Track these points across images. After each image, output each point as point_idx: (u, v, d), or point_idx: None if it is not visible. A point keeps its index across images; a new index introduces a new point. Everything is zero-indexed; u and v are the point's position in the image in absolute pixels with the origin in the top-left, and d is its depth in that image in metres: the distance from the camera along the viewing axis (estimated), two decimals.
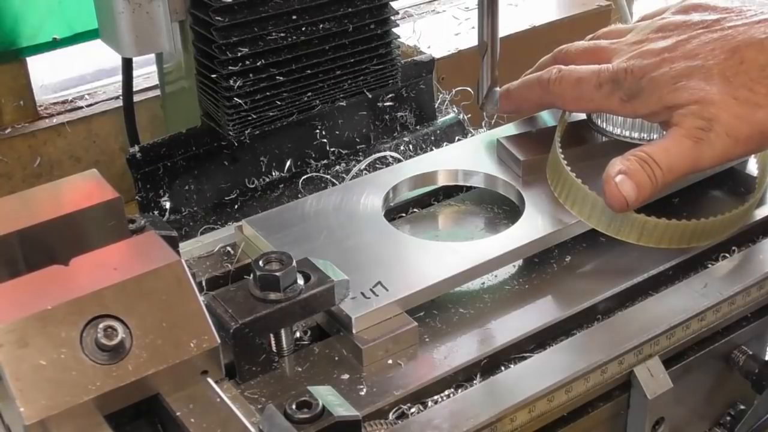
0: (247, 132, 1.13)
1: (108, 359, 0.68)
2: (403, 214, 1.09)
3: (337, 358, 0.86)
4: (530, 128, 1.12)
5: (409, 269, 0.92)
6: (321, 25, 1.13)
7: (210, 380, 0.72)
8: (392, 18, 1.19)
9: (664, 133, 0.93)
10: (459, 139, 1.27)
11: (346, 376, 0.84)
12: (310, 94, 1.15)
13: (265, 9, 1.09)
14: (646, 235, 0.95)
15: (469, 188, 1.11)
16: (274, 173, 1.20)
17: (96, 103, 1.51)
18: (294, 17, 1.11)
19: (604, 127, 1.07)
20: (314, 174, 1.20)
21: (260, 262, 0.83)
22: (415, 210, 1.10)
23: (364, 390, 0.83)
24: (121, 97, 1.34)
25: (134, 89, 1.32)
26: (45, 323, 0.67)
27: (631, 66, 0.94)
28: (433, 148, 1.26)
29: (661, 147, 0.90)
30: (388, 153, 1.22)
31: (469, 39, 1.62)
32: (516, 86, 1.07)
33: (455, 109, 1.33)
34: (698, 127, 0.88)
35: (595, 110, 1.05)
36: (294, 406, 0.72)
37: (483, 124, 1.25)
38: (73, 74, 1.58)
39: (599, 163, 1.01)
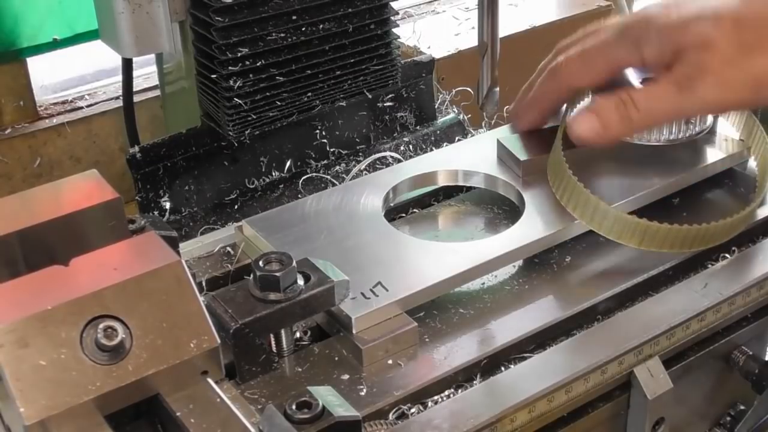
0: (247, 132, 1.13)
1: (108, 359, 0.68)
2: (403, 215, 1.09)
3: (337, 359, 0.86)
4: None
5: (409, 269, 0.92)
6: (321, 26, 1.13)
7: (210, 380, 0.72)
8: (392, 18, 1.19)
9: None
10: (459, 139, 1.27)
11: (346, 377, 0.84)
12: (310, 94, 1.15)
13: (265, 9, 1.09)
14: (648, 240, 0.95)
15: (469, 188, 1.11)
16: (274, 173, 1.20)
17: (96, 103, 1.51)
18: (294, 17, 1.11)
19: None
20: (314, 174, 1.20)
21: (260, 263, 0.83)
22: (415, 210, 1.10)
23: (364, 390, 0.83)
24: (121, 98, 1.34)
25: (134, 89, 1.32)
26: (45, 323, 0.67)
27: (635, 15, 0.92)
28: (433, 148, 1.26)
29: (647, 90, 0.90)
30: (388, 153, 1.22)
31: (469, 39, 1.62)
32: (529, 92, 1.06)
33: (455, 109, 1.33)
34: (687, 73, 0.87)
35: (606, 74, 0.99)
36: (294, 407, 0.72)
37: (483, 124, 1.25)
38: (73, 74, 1.58)
39: (600, 164, 1.01)
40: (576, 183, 0.96)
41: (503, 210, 1.08)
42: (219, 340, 0.72)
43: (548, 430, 0.87)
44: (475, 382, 0.86)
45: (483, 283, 0.96)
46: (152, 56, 1.26)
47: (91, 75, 1.59)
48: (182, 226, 1.12)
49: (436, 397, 0.84)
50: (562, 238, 0.98)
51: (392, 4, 1.19)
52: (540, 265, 0.99)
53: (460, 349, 0.87)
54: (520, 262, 0.99)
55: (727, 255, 1.00)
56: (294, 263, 0.84)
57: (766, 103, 0.92)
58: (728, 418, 1.07)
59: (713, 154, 1.07)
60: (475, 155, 1.09)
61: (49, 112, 1.49)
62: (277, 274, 0.82)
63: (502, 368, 0.87)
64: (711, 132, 1.08)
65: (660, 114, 0.91)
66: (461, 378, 0.86)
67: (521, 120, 1.08)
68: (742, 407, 1.07)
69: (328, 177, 1.19)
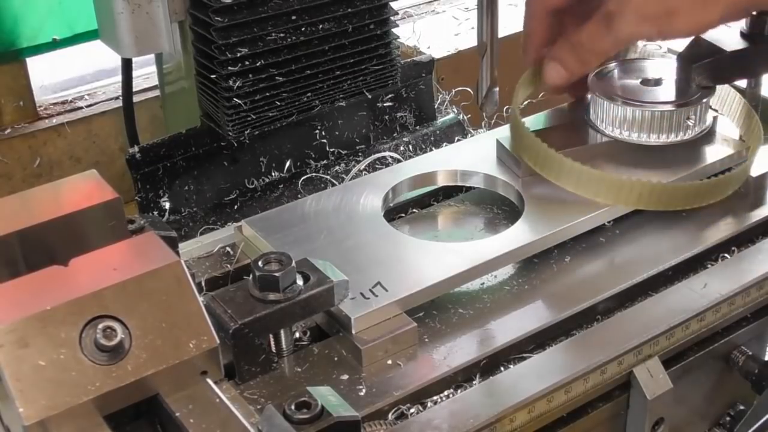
0: (246, 132, 1.13)
1: (107, 359, 0.68)
2: (403, 215, 1.09)
3: (336, 359, 0.86)
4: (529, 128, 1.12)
5: (409, 270, 0.92)
6: (320, 26, 1.13)
7: (209, 381, 0.72)
8: (392, 18, 1.19)
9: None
10: (459, 140, 1.27)
11: (345, 377, 0.84)
12: (309, 94, 1.15)
13: (264, 9, 1.09)
14: (612, 194, 0.97)
15: (468, 188, 1.11)
16: (273, 174, 1.20)
17: (96, 103, 1.51)
18: (293, 17, 1.11)
19: (603, 127, 1.07)
20: (314, 174, 1.20)
21: (260, 263, 0.83)
22: (414, 210, 1.10)
23: (364, 390, 0.83)
24: (120, 98, 1.34)
25: (134, 89, 1.32)
26: (45, 323, 0.67)
27: None
28: (433, 148, 1.26)
29: (587, 31, 0.99)
30: (387, 153, 1.22)
31: (469, 39, 1.62)
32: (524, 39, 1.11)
33: (455, 109, 1.33)
34: (610, 11, 0.96)
35: None
36: (293, 407, 0.72)
37: (483, 124, 1.25)
38: (73, 74, 1.58)
39: (600, 164, 1.01)
40: (533, 137, 0.99)
41: (503, 210, 1.08)
42: (218, 341, 0.72)
43: (548, 430, 0.87)
44: (474, 382, 0.86)
45: (482, 283, 0.96)
46: (152, 56, 1.26)
47: (90, 75, 1.59)
48: (182, 227, 1.13)
49: (435, 398, 0.84)
50: (562, 238, 0.98)
51: (392, 4, 1.19)
52: (540, 265, 0.98)
53: (460, 350, 0.87)
54: (519, 262, 0.99)
55: (727, 255, 1.00)
56: (293, 263, 0.84)
57: (676, 32, 1.00)
58: (728, 418, 1.07)
59: (713, 154, 1.07)
60: (475, 155, 1.09)
61: (48, 112, 1.49)
62: (277, 274, 0.82)
63: (502, 368, 0.87)
64: (711, 132, 1.08)
65: (602, 50, 1.01)
66: (461, 378, 0.86)
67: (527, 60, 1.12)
68: (741, 407, 1.07)
69: (328, 177, 1.19)
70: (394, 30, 1.20)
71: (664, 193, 0.98)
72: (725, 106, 1.11)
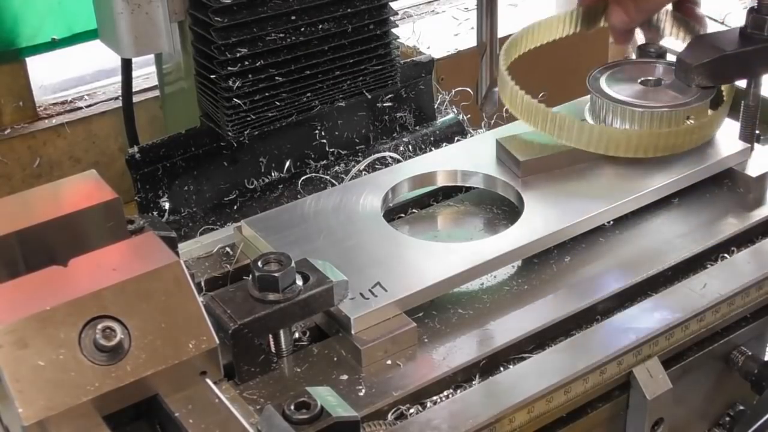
0: (246, 132, 1.13)
1: (107, 360, 0.68)
2: (402, 215, 1.09)
3: (336, 359, 0.86)
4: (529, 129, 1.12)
5: (408, 270, 0.92)
6: (320, 26, 1.13)
7: (209, 381, 0.72)
8: (391, 18, 1.19)
9: None
10: (458, 140, 1.27)
11: (345, 377, 0.84)
12: (309, 94, 1.15)
13: (264, 9, 1.09)
14: (583, 140, 1.02)
15: (468, 189, 1.11)
16: (273, 174, 1.20)
17: (95, 103, 1.51)
18: (293, 18, 1.11)
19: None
20: (313, 174, 1.20)
21: (259, 263, 0.83)
22: (414, 210, 1.09)
23: (363, 390, 0.83)
24: (120, 98, 1.35)
25: (134, 90, 1.32)
26: (44, 324, 0.67)
27: None
28: (433, 148, 1.26)
29: None
30: (387, 153, 1.22)
31: (469, 39, 1.62)
32: None
33: (455, 109, 1.33)
34: None
35: None
36: (293, 407, 0.72)
37: (483, 125, 1.25)
38: (73, 74, 1.58)
39: (602, 164, 1.01)
40: (511, 83, 1.05)
41: (502, 210, 1.08)
42: (218, 341, 0.72)
43: (547, 430, 0.87)
44: (474, 382, 0.86)
45: (482, 284, 0.96)
46: (151, 56, 1.26)
47: (90, 75, 1.59)
48: (181, 227, 1.13)
49: (435, 398, 0.84)
50: (562, 238, 0.98)
51: (392, 4, 1.19)
52: (539, 265, 0.98)
53: (459, 350, 0.87)
54: (519, 262, 0.99)
55: (727, 255, 1.00)
56: (293, 263, 0.83)
57: None
58: (727, 419, 1.07)
59: (713, 154, 1.07)
60: (475, 155, 1.09)
61: (48, 112, 1.49)
62: (276, 274, 0.82)
63: (501, 368, 0.87)
64: None
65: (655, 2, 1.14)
66: (460, 378, 0.86)
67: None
68: (741, 407, 1.07)
69: (328, 177, 1.19)
70: (394, 30, 1.21)
71: (623, 139, 1.02)
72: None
